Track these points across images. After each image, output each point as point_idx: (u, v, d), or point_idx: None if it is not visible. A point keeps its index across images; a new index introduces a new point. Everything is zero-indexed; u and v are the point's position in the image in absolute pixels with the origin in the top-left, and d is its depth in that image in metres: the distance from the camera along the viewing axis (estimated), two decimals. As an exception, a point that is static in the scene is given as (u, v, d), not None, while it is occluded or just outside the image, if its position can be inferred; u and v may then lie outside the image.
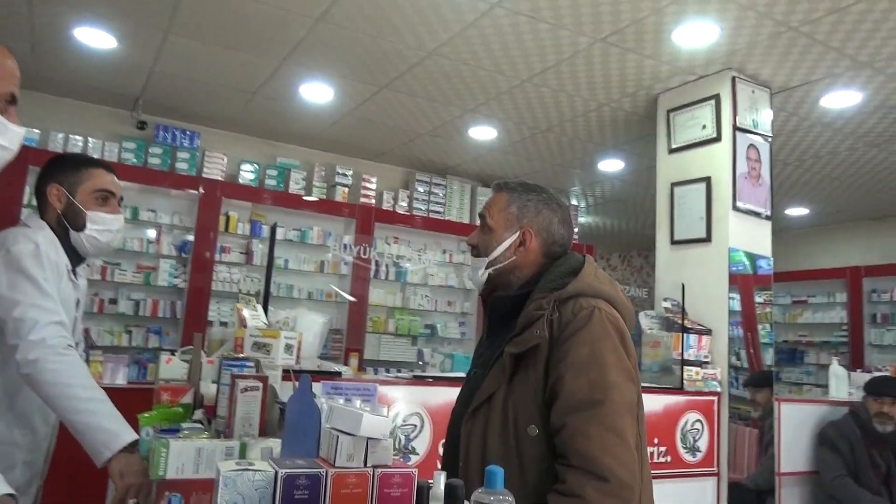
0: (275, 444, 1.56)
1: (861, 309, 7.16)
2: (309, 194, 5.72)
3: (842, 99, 4.17)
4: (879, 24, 3.26)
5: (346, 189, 5.87)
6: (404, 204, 6.15)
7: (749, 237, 3.88)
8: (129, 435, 1.61)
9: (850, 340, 7.17)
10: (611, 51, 3.71)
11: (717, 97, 3.92)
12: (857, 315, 7.17)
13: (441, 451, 2.64)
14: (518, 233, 1.54)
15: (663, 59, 3.81)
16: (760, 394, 3.91)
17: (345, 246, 5.67)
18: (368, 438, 0.92)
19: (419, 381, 2.80)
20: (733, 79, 3.88)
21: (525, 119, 4.89)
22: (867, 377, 4.65)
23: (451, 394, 2.98)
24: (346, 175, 5.89)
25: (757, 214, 3.93)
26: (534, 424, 1.38)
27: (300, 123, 5.33)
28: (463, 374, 3.07)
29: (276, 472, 0.88)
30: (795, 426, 3.84)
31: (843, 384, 4.38)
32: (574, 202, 7.28)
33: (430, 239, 6.16)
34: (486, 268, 1.56)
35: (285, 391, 1.97)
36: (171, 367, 2.39)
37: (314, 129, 5.45)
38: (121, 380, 4.39)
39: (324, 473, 0.89)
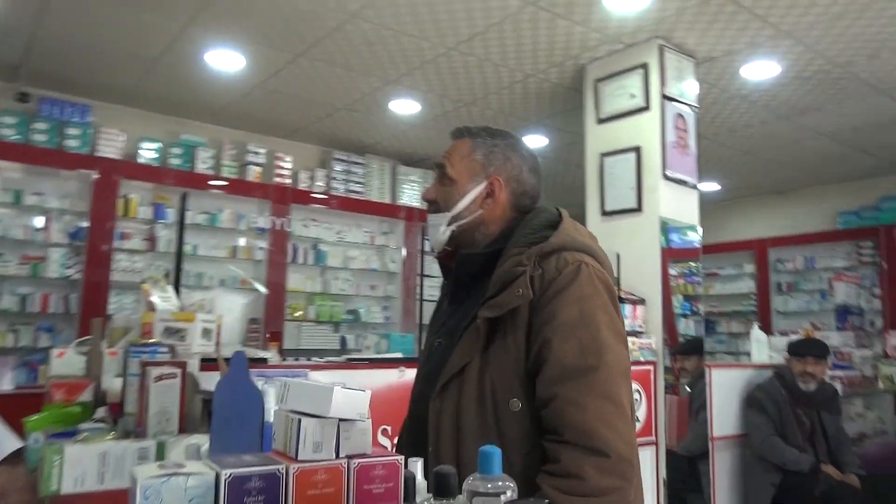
0: (201, 440, 1.30)
1: (768, 279, 7.47)
2: (218, 174, 5.31)
3: (761, 69, 4.22)
4: (803, -11, 3.28)
5: (259, 168, 5.50)
6: (321, 184, 5.84)
7: (678, 207, 3.87)
8: (10, 443, 1.31)
9: (758, 309, 7.47)
10: (541, 16, 3.58)
11: (645, 66, 3.87)
12: (765, 284, 7.47)
13: (396, 438, 2.43)
14: (485, 183, 1.35)
15: (593, 27, 3.71)
16: (689, 361, 3.94)
17: (259, 229, 5.33)
18: (340, 420, 0.71)
19: (354, 364, 2.57)
20: (661, 47, 3.84)
21: (449, 91, 4.70)
22: (783, 341, 4.82)
23: (386, 376, 2.78)
24: (258, 153, 5.51)
25: (685, 183, 3.93)
26: (516, 398, 1.20)
27: (207, 96, 4.92)
28: (401, 355, 2.88)
29: (219, 475, 0.65)
30: (725, 391, 3.88)
31: (763, 348, 4.48)
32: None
33: (350, 220, 5.88)
34: (449, 224, 1.36)
35: (206, 382, 1.71)
36: (66, 362, 2.05)
37: (222, 102, 5.05)
38: (7, 385, 3.92)
39: (283, 471, 0.67)
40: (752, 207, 7.84)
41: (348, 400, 0.70)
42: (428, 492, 0.93)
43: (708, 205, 8.00)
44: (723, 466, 3.84)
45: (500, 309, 1.21)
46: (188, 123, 5.43)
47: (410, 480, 0.76)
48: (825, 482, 3.43)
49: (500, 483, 0.84)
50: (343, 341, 5.67)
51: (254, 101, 5.01)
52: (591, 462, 1.10)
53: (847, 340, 5.19)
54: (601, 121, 4.09)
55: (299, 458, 0.69)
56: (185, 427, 1.51)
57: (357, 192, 5.99)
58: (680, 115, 3.94)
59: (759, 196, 7.75)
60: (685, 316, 3.94)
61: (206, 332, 2.13)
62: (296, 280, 5.50)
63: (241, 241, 5.35)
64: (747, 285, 7.69)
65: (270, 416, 1.02)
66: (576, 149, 5.64)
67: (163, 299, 2.20)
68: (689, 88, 4.02)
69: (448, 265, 1.44)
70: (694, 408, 3.90)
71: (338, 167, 5.92)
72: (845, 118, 5.10)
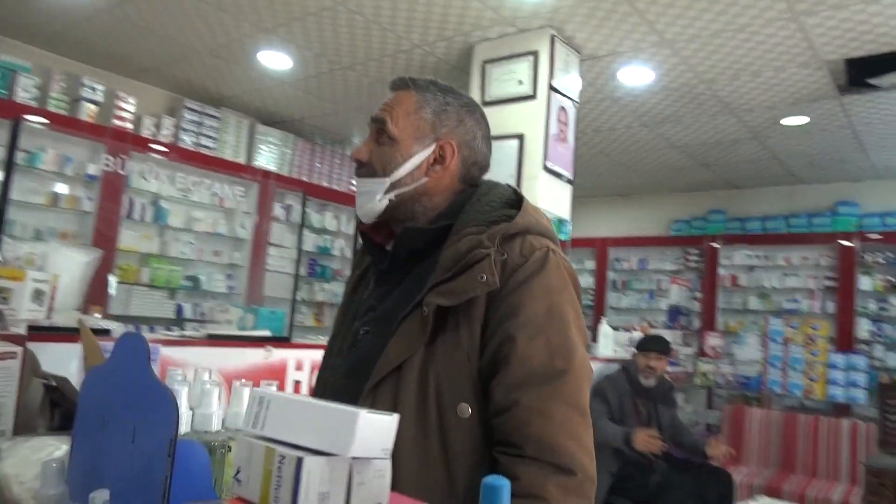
0: (51, 446, 0.98)
1: (605, 276, 7.93)
2: (43, 107, 4.53)
3: (637, 75, 4.36)
4: (693, 2, 3.39)
5: (95, 107, 4.77)
6: (168, 133, 5.22)
7: (554, 199, 3.89)
8: None
9: (594, 303, 7.91)
10: (441, -17, 3.39)
11: (535, 54, 3.83)
12: (602, 281, 7.93)
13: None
14: (434, 146, 1.15)
15: (490, 4, 3.58)
16: None
17: (88, 177, 4.64)
18: (353, 459, 0.49)
19: (215, 340, 2.24)
20: (552, 37, 3.82)
21: (328, 50, 4.36)
22: (625, 336, 5.09)
23: (252, 356, 2.47)
24: (94, 90, 4.78)
25: (561, 177, 3.96)
26: (466, 402, 1.01)
27: (37, 14, 4.15)
28: (270, 334, 2.57)
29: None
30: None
31: (610, 342, 4.70)
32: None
33: (197, 177, 5.31)
34: (387, 192, 1.14)
35: (43, 359, 1.35)
36: None
37: (55, 25, 4.29)
38: None
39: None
40: (597, 207, 8.26)
41: (375, 429, 0.48)
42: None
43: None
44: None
45: (457, 297, 1.02)
46: (8, 42, 4.57)
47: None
48: (658, 472, 3.64)
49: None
50: (179, 310, 5.14)
51: (95, 29, 4.31)
52: (556, 481, 0.96)
53: (676, 338, 5.62)
54: (486, 104, 3.99)
55: (302, 518, 0.46)
56: (19, 424, 1.16)
57: (208, 148, 5.44)
58: (563, 108, 3.96)
59: (606, 197, 8.18)
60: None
61: (38, 295, 1.72)
62: (129, 238, 4.87)
63: (65, 189, 4.62)
64: (586, 281, 8.11)
65: (182, 429, 0.76)
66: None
67: (-20, 251, 1.74)
68: (572, 83, 4.05)
69: (373, 239, 1.22)
70: None
71: (189, 116, 5.32)
72: (697, 133, 5.47)
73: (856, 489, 4.35)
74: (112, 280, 4.10)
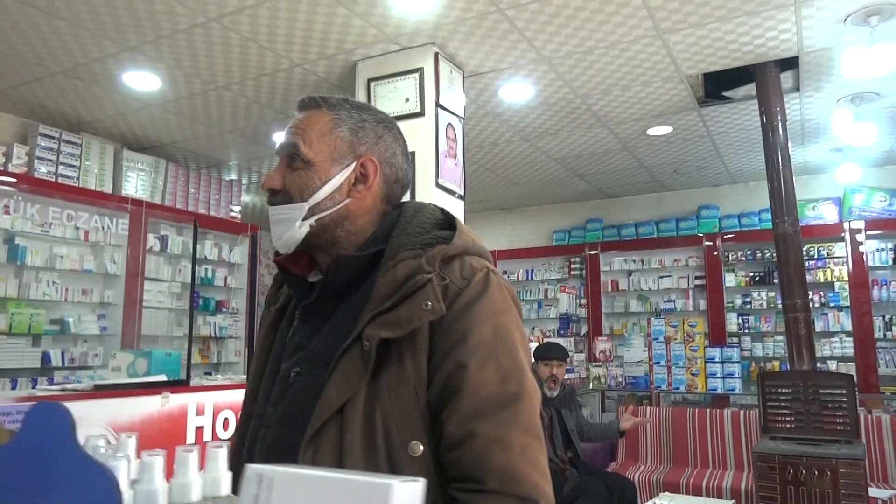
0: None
1: (495, 288, 8.06)
2: None
3: (517, 91, 4.48)
4: (569, 20, 3.52)
5: (-71, 136, 4.24)
6: (20, 163, 4.73)
7: (447, 215, 3.88)
8: None
9: (486, 317, 8.01)
10: (322, -1, 3.30)
11: (420, 71, 3.82)
12: (492, 294, 8.05)
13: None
14: (354, 164, 1.08)
15: (372, 21, 3.54)
16: None
17: (-74, 215, 4.10)
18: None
19: (103, 392, 2.01)
20: (436, 55, 3.83)
21: (201, 70, 4.13)
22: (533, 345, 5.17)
23: (147, 405, 2.24)
24: (-72, 117, 4.25)
25: (453, 193, 3.97)
26: (417, 440, 0.94)
27: None
28: (165, 378, 2.35)
29: None
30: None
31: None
32: (235, 177, 6.59)
33: (58, 210, 4.85)
34: (306, 217, 1.06)
35: None
36: None
37: None
38: None
39: None
40: (483, 221, 8.41)
41: (408, 501, 0.40)
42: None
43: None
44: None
45: (401, 327, 0.95)
46: None
47: None
48: (572, 479, 3.70)
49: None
50: (46, 357, 4.64)
51: (-73, 48, 3.84)
52: None
53: (569, 345, 5.79)
54: (373, 122, 3.94)
55: None
56: None
57: (68, 178, 4.98)
58: (450, 125, 3.98)
59: (491, 211, 8.35)
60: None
61: None
62: (-20, 282, 4.35)
63: None
64: (477, 294, 8.21)
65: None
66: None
67: None
68: (457, 100, 4.08)
69: (290, 271, 1.13)
70: None
71: (44, 143, 4.84)
72: (573, 146, 5.70)
73: (744, 475, 4.65)
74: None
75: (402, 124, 3.53)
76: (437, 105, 3.83)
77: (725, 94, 4.59)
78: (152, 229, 5.36)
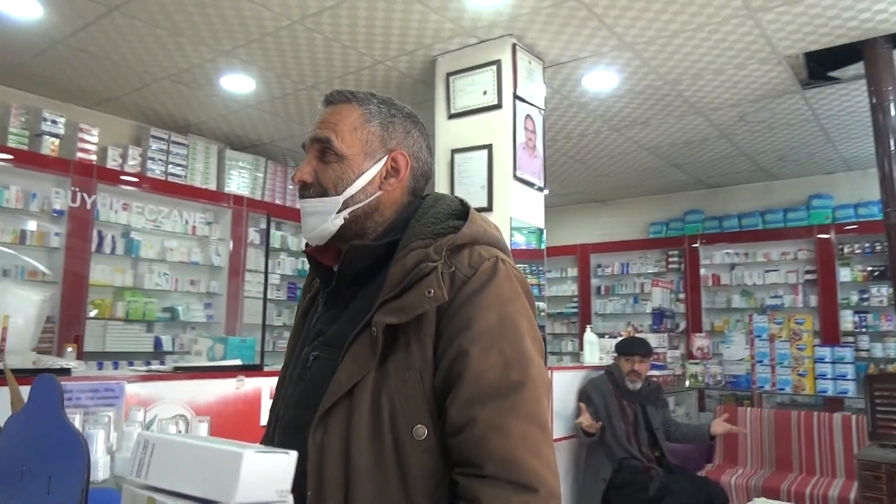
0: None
1: (589, 282, 7.91)
2: (3, 143, 4.44)
3: (601, 80, 4.37)
4: (650, 3, 3.39)
5: (57, 141, 4.69)
6: (135, 164, 5.14)
7: (526, 207, 3.86)
8: None
9: (580, 311, 7.88)
10: (397, -3, 3.37)
11: (498, 63, 3.81)
12: (586, 287, 7.91)
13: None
14: (386, 158, 1.11)
15: (448, 16, 3.57)
16: None
17: (56, 212, 4.55)
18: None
19: (182, 374, 2.17)
20: (514, 46, 3.81)
21: (290, 71, 4.32)
22: (611, 343, 5.04)
23: (222, 388, 2.40)
24: (56, 123, 4.70)
25: (532, 185, 3.93)
26: (422, 424, 0.97)
27: (-10, 49, 4.09)
28: (241, 362, 2.50)
29: None
30: (564, 393, 3.94)
31: (595, 349, 4.66)
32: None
33: (168, 207, 5.24)
34: (340, 210, 1.09)
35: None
36: None
37: (11, 59, 4.23)
38: None
39: None
40: (575, 214, 8.27)
41: (265, 470, 0.43)
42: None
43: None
44: (563, 468, 3.89)
45: (405, 314, 0.98)
46: (-37, 80, 4.50)
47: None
48: (657, 479, 3.57)
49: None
50: (158, 342, 5.04)
51: (52, 62, 4.25)
52: (518, 500, 0.91)
53: (662, 342, 5.59)
54: (452, 115, 3.97)
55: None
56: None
57: (177, 176, 5.36)
58: (529, 117, 3.94)
59: (583, 203, 8.19)
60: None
61: (-16, 337, 1.64)
62: (101, 272, 4.78)
63: (32, 225, 4.53)
64: (570, 288, 8.09)
65: (98, 475, 0.71)
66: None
67: (-81, 293, 1.67)
68: (537, 91, 4.03)
69: (320, 260, 1.17)
70: None
71: (155, 146, 5.25)
72: (665, 134, 5.48)
73: (854, 483, 4.31)
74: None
75: (479, 117, 3.55)
76: (515, 97, 3.81)
77: (832, 74, 4.26)
78: (252, 224, 5.67)
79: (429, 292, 0.97)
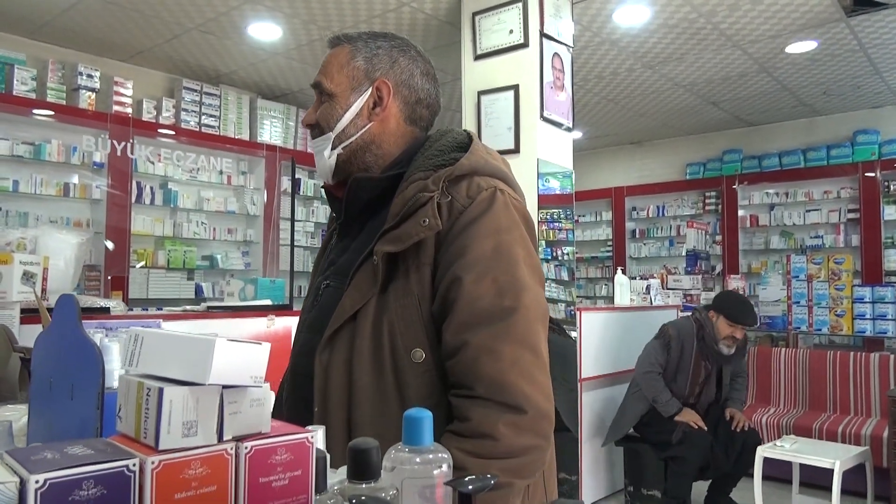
0: (15, 413, 1.01)
1: (623, 226, 7.84)
2: (42, 98, 4.57)
3: (632, 14, 4.24)
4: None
5: (93, 94, 4.80)
6: (169, 115, 5.23)
7: (554, 148, 3.82)
8: None
9: (613, 254, 7.84)
10: (419, -66, 3.30)
11: (524, 0, 3.73)
12: (620, 231, 7.84)
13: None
14: (370, 89, 1.13)
15: (473, -48, 3.49)
16: None
17: (96, 164, 4.69)
18: (225, 388, 0.48)
19: (215, 313, 2.27)
20: (540, -19, 3.71)
21: (315, 16, 4.30)
22: (642, 284, 5.03)
23: (254, 326, 2.50)
24: (92, 77, 4.79)
25: (560, 125, 3.88)
26: (419, 347, 1.02)
27: (25, 5, 4.15)
28: (270, 302, 2.60)
29: (24, 483, 0.41)
30: (593, 333, 3.98)
31: (626, 292, 4.66)
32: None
33: (203, 157, 5.34)
34: (334, 147, 1.14)
35: (28, 337, 1.38)
36: None
37: (44, 15, 4.30)
38: None
39: (135, 467, 0.44)
40: (610, 156, 8.13)
41: (237, 357, 0.47)
42: (332, 466, 0.74)
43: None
44: (590, 406, 3.96)
45: (402, 242, 1.02)
46: (1, 37, 4.60)
47: (321, 462, 0.55)
48: (681, 429, 3.59)
49: (431, 456, 0.66)
50: (198, 289, 5.22)
51: (85, 15, 4.31)
52: (506, 419, 0.95)
53: (696, 283, 5.55)
54: (478, 56, 3.92)
55: (161, 446, 0.46)
56: (2, 395, 1.19)
57: (210, 127, 5.44)
58: (557, 55, 3.86)
59: (618, 145, 8.04)
60: (547, 261, 3.96)
61: (28, 276, 1.75)
62: (142, 222, 4.94)
63: (75, 178, 4.68)
64: (605, 232, 8.03)
65: (114, 382, 0.77)
66: (449, 88, 5.47)
67: (-34, 237, 1.77)
68: (565, 28, 3.94)
69: (336, 195, 1.21)
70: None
71: (188, 97, 5.32)
72: (702, 70, 5.31)
73: (887, 423, 4.28)
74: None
75: (505, 57, 3.48)
76: (542, 34, 3.73)
77: (878, 0, 4.05)
78: (286, 172, 5.74)
79: (424, 221, 1.01)
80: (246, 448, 0.49)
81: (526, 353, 0.99)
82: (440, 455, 0.66)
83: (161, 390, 0.46)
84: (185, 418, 0.46)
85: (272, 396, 0.53)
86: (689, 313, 3.92)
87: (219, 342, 0.46)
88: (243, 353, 0.48)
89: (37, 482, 0.40)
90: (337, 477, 0.68)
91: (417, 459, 0.65)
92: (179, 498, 0.45)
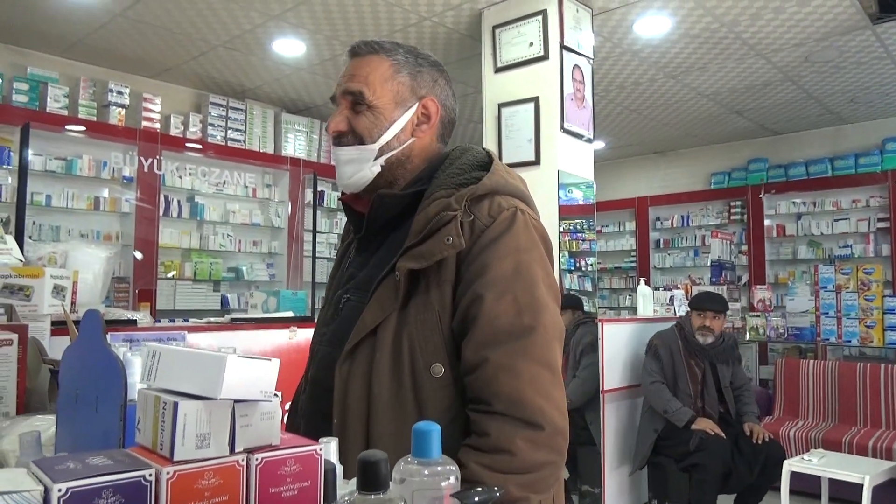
0: (44, 423, 1.05)
1: (647, 236, 7.78)
2: (74, 115, 4.70)
3: (653, 25, 4.23)
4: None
5: (123, 110, 4.92)
6: (196, 130, 5.34)
7: (575, 160, 3.83)
8: None
9: (638, 265, 7.79)
10: (439, -50, 3.34)
11: (544, 13, 3.75)
12: (644, 241, 7.79)
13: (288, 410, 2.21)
14: (417, 105, 1.15)
15: (492, -33, 3.53)
16: (564, 316, 3.97)
17: (126, 178, 4.81)
18: (236, 402, 0.51)
19: (239, 324, 2.31)
20: (560, -6, 3.73)
21: (338, 32, 4.37)
22: (665, 295, 5.00)
23: (276, 338, 2.54)
24: (122, 94, 4.92)
25: (581, 137, 3.89)
26: (438, 362, 1.03)
27: (57, 25, 4.29)
28: (292, 314, 2.64)
29: (48, 491, 0.43)
30: (615, 344, 3.96)
31: (649, 302, 4.63)
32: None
33: (229, 171, 5.44)
34: (377, 157, 1.13)
35: (58, 349, 1.43)
36: None
37: (76, 34, 4.43)
38: None
39: (151, 477, 0.46)
40: (633, 166, 8.09)
41: (248, 372, 0.50)
42: (344, 477, 0.76)
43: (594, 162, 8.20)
44: (612, 417, 3.93)
45: (426, 260, 1.04)
46: (34, 55, 4.75)
47: (331, 474, 0.57)
48: (698, 436, 3.57)
49: (439, 468, 0.68)
50: (224, 301, 5.30)
51: (114, 34, 4.43)
52: (524, 435, 0.97)
53: (722, 294, 5.48)
54: (499, 69, 3.95)
55: (175, 457, 0.48)
56: (29, 406, 1.23)
57: (236, 141, 5.54)
58: (577, 67, 3.87)
59: (640, 155, 8.00)
60: (570, 272, 3.96)
61: (59, 290, 1.80)
62: (169, 235, 5.04)
63: (105, 192, 4.80)
64: (628, 242, 7.98)
65: (136, 395, 0.80)
66: (470, 101, 5.51)
67: (1, 251, 1.83)
68: (585, 40, 3.95)
69: (354, 208, 1.23)
70: (570, 361, 3.97)
71: (214, 112, 5.43)
72: (725, 79, 5.28)
73: (920, 436, 4.18)
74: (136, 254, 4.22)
75: (525, 70, 3.52)
76: (562, 47, 3.75)
77: (905, 6, 3.99)
78: (310, 185, 5.82)
79: (447, 239, 1.02)
80: (257, 459, 0.51)
81: (543, 370, 1.00)
82: (448, 467, 0.68)
83: (176, 404, 0.48)
84: (198, 431, 0.48)
85: (278, 407, 0.55)
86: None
87: (230, 359, 0.48)
88: (254, 369, 0.50)
89: (59, 490, 0.43)
90: (349, 488, 0.70)
91: (426, 472, 0.67)
92: (193, 508, 0.48)
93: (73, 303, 1.83)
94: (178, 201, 5.13)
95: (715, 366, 3.84)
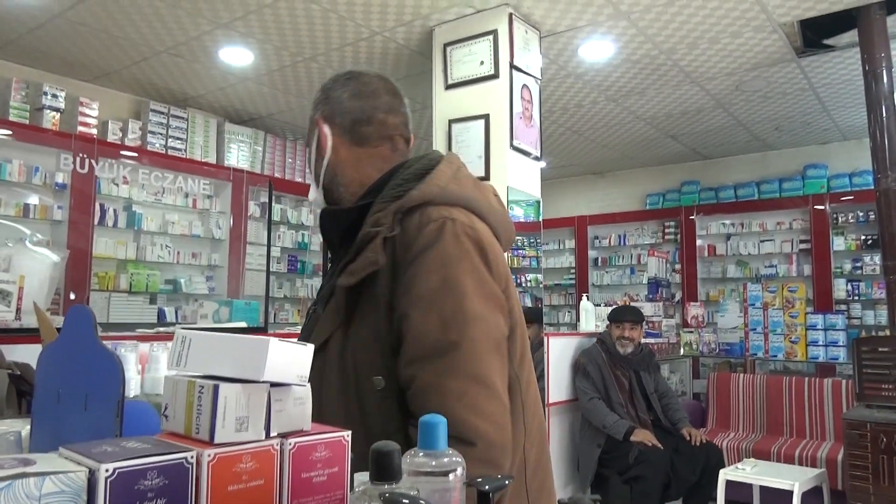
0: (13, 426, 1.00)
1: (586, 254, 7.99)
2: (4, 117, 4.48)
3: (597, 49, 4.39)
4: (646, -29, 3.42)
5: (58, 115, 4.72)
6: (135, 137, 5.18)
7: (523, 177, 3.92)
8: None
9: (577, 282, 7.97)
10: (394, -33, 3.39)
11: (494, 33, 3.84)
12: (583, 259, 7.99)
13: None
14: (316, 130, 1.22)
15: (446, -14, 3.59)
16: (530, 329, 4.05)
17: (58, 185, 4.60)
18: (272, 385, 0.51)
19: (190, 334, 2.25)
20: (510, 15, 3.83)
21: (288, 43, 4.35)
22: (607, 311, 5.14)
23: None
24: (56, 97, 4.73)
25: (529, 155, 3.98)
26: (379, 375, 1.04)
27: (-11, 23, 4.10)
28: (245, 325, 2.59)
29: (94, 472, 0.43)
30: (559, 358, 4.04)
31: (591, 317, 4.75)
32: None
33: (169, 180, 5.28)
34: (316, 183, 1.24)
35: (8, 355, 1.37)
36: None
37: (10, 33, 4.24)
38: None
39: (193, 459, 0.46)
40: (573, 186, 8.31)
41: (287, 356, 0.50)
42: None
43: (534, 182, 8.39)
44: (556, 430, 4.00)
45: (354, 276, 1.05)
46: (-37, 54, 4.52)
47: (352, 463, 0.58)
48: (637, 448, 3.70)
49: (445, 460, 0.70)
50: (161, 314, 5.12)
51: (52, 35, 4.27)
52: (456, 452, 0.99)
53: (657, 310, 5.68)
54: (450, 86, 4.01)
55: (216, 440, 0.48)
56: (-18, 413, 1.17)
57: (177, 150, 5.40)
58: (526, 87, 3.98)
59: (581, 175, 8.23)
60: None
61: (4, 296, 1.72)
62: (104, 245, 4.84)
63: (35, 199, 4.58)
64: (568, 260, 8.17)
65: (130, 393, 0.78)
66: (419, 117, 5.56)
67: (-62, 256, 1.73)
68: (533, 61, 4.07)
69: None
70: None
71: (154, 119, 5.28)
72: (662, 104, 5.52)
73: (843, 446, 4.42)
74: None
75: (476, 87, 3.58)
76: (512, 66, 3.84)
77: (827, 42, 4.29)
78: (253, 197, 5.72)
79: (370, 255, 1.04)
80: (290, 444, 0.51)
81: (472, 385, 0.98)
82: (454, 459, 0.69)
83: (216, 387, 0.48)
84: (237, 414, 0.48)
85: (309, 393, 0.56)
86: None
87: (273, 341, 0.49)
88: (292, 352, 0.51)
89: (107, 471, 0.42)
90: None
91: (433, 463, 0.68)
92: (231, 490, 0.48)
93: (18, 309, 1.75)
94: (115, 210, 4.95)
95: (639, 374, 4.04)
